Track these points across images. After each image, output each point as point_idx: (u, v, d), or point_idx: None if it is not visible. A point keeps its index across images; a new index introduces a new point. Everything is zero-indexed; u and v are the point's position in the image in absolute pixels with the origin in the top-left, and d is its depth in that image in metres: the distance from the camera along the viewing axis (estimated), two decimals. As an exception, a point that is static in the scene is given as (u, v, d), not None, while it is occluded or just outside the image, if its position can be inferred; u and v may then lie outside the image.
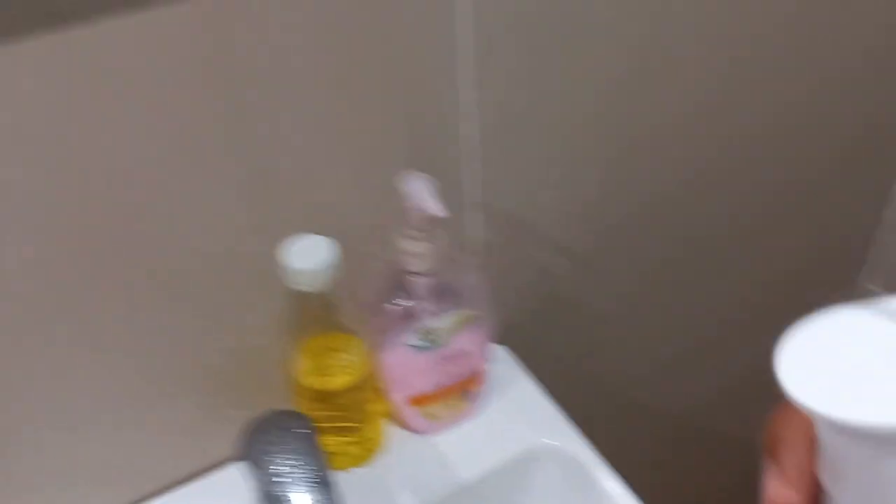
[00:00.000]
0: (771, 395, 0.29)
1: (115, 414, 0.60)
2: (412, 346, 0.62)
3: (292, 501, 0.49)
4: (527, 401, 0.70)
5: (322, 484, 0.50)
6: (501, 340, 0.73)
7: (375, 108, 0.59)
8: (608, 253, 0.79)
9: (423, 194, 0.56)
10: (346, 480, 0.64)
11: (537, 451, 0.66)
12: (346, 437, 0.64)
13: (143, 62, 0.49)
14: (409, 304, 0.61)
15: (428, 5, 0.57)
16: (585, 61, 0.66)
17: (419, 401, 0.66)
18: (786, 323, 0.29)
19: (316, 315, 0.59)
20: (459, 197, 0.66)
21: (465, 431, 0.68)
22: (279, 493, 0.49)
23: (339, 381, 0.61)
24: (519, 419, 0.68)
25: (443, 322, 0.62)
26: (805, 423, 0.24)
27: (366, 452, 0.66)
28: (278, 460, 0.50)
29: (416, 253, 0.59)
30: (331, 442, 0.63)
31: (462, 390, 0.67)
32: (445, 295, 0.62)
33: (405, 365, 0.63)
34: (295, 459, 0.50)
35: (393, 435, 0.68)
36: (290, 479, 0.50)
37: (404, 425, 0.68)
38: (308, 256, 0.56)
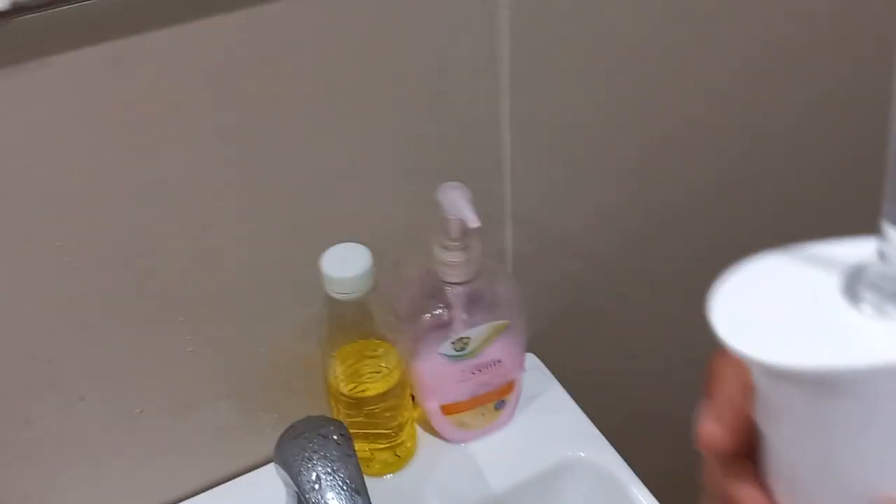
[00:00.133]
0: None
1: (154, 416, 0.61)
2: (446, 355, 0.63)
3: (326, 507, 0.49)
4: (558, 410, 0.70)
5: (355, 490, 0.50)
6: (531, 348, 0.73)
7: (413, 120, 0.59)
8: (637, 260, 0.79)
9: (458, 204, 0.56)
10: (379, 487, 0.64)
11: (568, 462, 0.66)
12: (378, 443, 0.65)
13: (186, 75, 0.50)
14: (444, 313, 0.62)
15: (467, 20, 0.57)
16: (615, 74, 0.66)
17: (451, 409, 0.66)
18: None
19: (351, 322, 0.60)
20: (493, 207, 0.67)
21: (496, 440, 0.68)
22: (313, 499, 0.50)
23: (373, 388, 0.62)
24: (550, 429, 0.68)
25: (476, 332, 0.62)
26: (741, 365, 0.24)
27: (398, 459, 0.66)
28: (313, 466, 0.50)
29: (452, 262, 0.60)
30: (364, 448, 0.64)
31: (494, 399, 0.67)
32: (479, 305, 0.62)
33: (438, 373, 0.64)
34: (329, 465, 0.50)
35: (425, 442, 0.68)
36: (324, 485, 0.50)
37: (436, 433, 0.68)
38: (345, 265, 0.57)
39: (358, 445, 0.55)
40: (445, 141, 0.61)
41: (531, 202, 0.68)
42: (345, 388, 0.62)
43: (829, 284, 0.21)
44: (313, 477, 0.50)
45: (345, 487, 0.50)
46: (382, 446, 0.65)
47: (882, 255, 0.20)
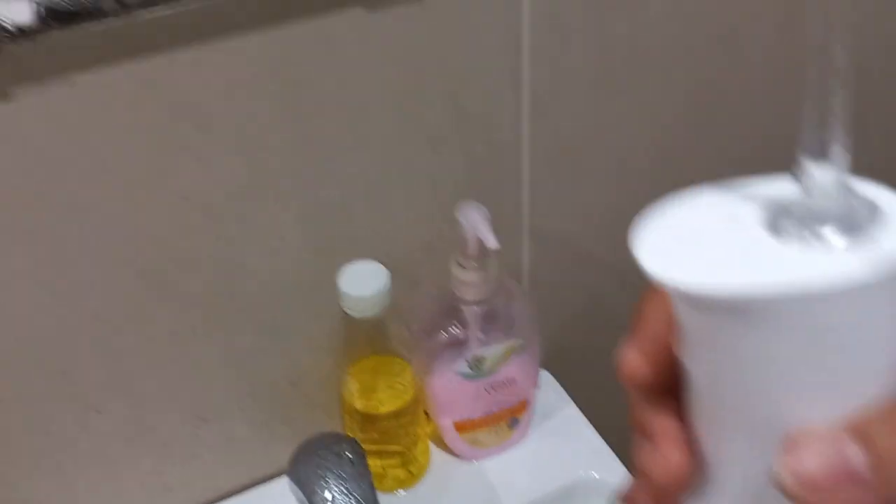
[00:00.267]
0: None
1: (170, 427, 0.62)
2: (461, 373, 0.63)
3: (340, 526, 0.50)
4: (572, 429, 0.70)
5: (369, 509, 0.51)
6: (545, 365, 0.73)
7: (433, 139, 0.60)
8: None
9: (477, 224, 0.57)
10: (391, 503, 0.64)
11: (581, 482, 0.66)
12: (391, 459, 0.65)
13: (211, 94, 0.51)
14: (460, 331, 0.62)
15: (490, 41, 0.57)
16: (633, 93, 0.66)
17: (465, 427, 0.66)
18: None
19: (367, 339, 0.60)
20: (511, 224, 0.67)
21: (509, 459, 0.68)
22: (327, 517, 0.50)
23: (387, 405, 0.62)
24: (563, 448, 0.68)
25: (492, 350, 0.63)
26: (666, 300, 0.24)
27: (411, 476, 0.66)
28: (327, 485, 0.51)
29: (468, 281, 0.60)
30: (376, 464, 0.64)
31: (508, 418, 0.67)
32: (495, 323, 0.62)
33: (453, 391, 0.64)
34: (343, 485, 0.51)
35: (438, 459, 0.68)
36: (337, 502, 0.51)
37: (449, 450, 0.68)
38: (362, 283, 0.57)
39: (370, 461, 0.56)
40: (465, 159, 0.62)
41: (549, 220, 0.69)
42: (359, 404, 0.62)
43: (753, 217, 0.21)
44: (328, 496, 0.50)
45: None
46: (395, 462, 0.65)
47: (801, 188, 0.21)
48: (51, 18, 0.43)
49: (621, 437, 0.70)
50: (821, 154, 0.20)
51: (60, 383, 0.56)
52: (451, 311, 0.62)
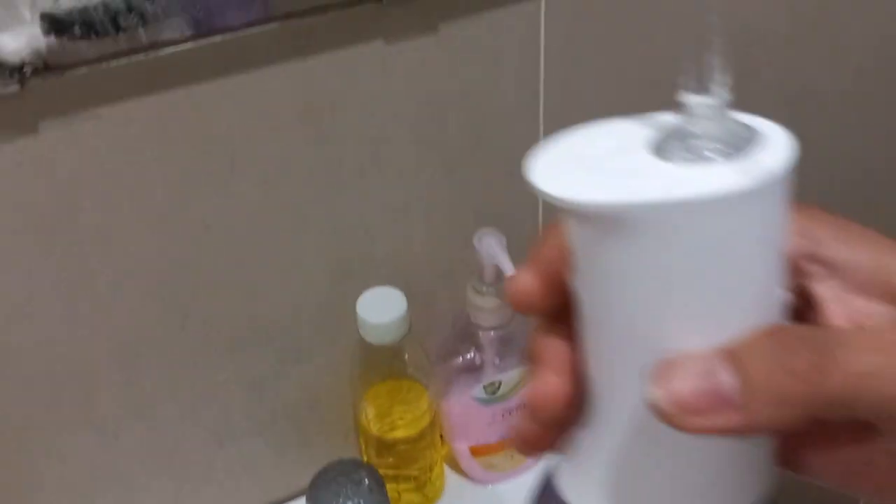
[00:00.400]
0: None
1: (187, 450, 0.62)
2: (477, 398, 0.63)
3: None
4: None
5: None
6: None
7: (451, 165, 0.60)
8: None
9: (494, 251, 0.57)
10: (406, 527, 0.65)
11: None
12: (407, 483, 0.65)
13: (232, 124, 0.51)
14: (476, 356, 0.62)
15: (508, 67, 0.58)
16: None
17: (480, 451, 0.66)
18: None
19: (384, 364, 0.61)
20: (527, 249, 0.67)
21: (524, 482, 0.68)
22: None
23: (403, 429, 0.62)
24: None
25: (508, 376, 0.63)
26: (561, 230, 0.24)
27: (426, 500, 0.66)
28: (346, 513, 0.51)
29: (485, 307, 0.60)
30: (392, 488, 0.64)
31: (523, 442, 0.67)
32: (511, 349, 0.63)
33: (469, 416, 0.64)
34: (362, 512, 0.51)
35: (452, 482, 0.68)
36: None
37: (464, 473, 0.68)
38: (381, 309, 0.57)
39: (386, 485, 0.56)
40: (483, 186, 0.62)
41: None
42: (375, 428, 0.63)
43: (640, 142, 0.22)
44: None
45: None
46: (410, 486, 0.65)
47: (685, 117, 0.22)
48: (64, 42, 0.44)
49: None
50: (702, 86, 0.21)
51: (82, 407, 0.57)
52: (468, 336, 0.62)
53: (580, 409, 0.25)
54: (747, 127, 0.22)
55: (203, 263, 0.56)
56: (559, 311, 0.25)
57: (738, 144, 0.21)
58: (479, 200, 0.62)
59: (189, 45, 0.46)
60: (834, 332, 0.22)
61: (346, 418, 0.65)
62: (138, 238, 0.53)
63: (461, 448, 0.66)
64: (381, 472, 0.57)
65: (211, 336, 0.59)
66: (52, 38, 0.43)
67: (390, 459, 0.63)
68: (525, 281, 0.25)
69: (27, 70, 0.43)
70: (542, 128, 0.62)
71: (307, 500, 0.55)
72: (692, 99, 0.21)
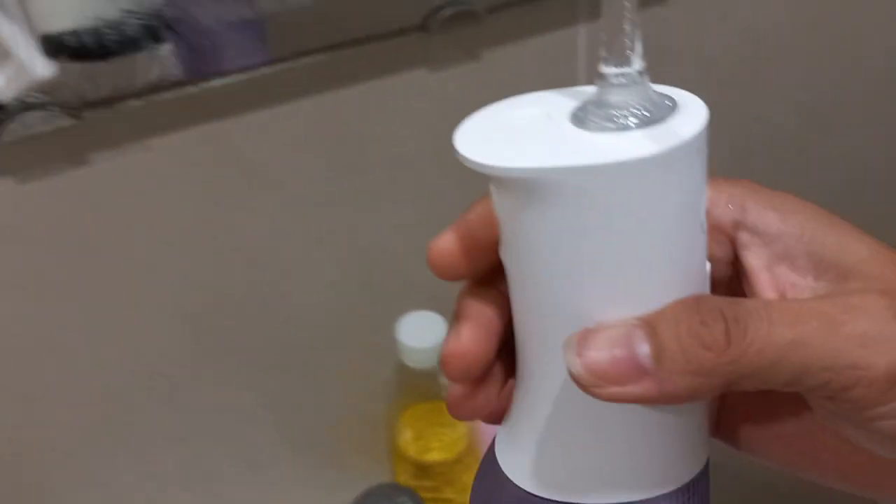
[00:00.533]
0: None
1: (225, 474, 0.62)
2: (513, 420, 0.63)
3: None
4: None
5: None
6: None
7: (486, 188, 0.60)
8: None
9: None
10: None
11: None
12: (443, 506, 0.65)
13: (271, 151, 0.52)
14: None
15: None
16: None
17: (515, 472, 0.66)
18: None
19: (421, 387, 0.61)
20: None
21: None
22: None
23: (440, 452, 0.63)
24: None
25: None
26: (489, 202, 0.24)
27: (462, 522, 0.67)
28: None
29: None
30: (429, 511, 0.65)
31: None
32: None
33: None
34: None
35: None
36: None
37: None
38: (421, 334, 0.58)
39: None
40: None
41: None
42: (413, 451, 0.63)
43: (563, 113, 0.22)
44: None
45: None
46: (447, 509, 0.65)
47: (605, 88, 0.22)
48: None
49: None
50: (620, 57, 0.21)
51: (119, 435, 0.57)
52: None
53: (480, 364, 0.25)
54: (665, 96, 0.22)
55: (241, 289, 0.56)
56: (486, 278, 0.25)
57: (656, 113, 0.21)
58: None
59: (231, 78, 0.47)
60: (750, 304, 0.21)
61: (381, 441, 0.65)
62: (175, 264, 0.53)
63: (496, 470, 0.66)
64: (419, 496, 0.57)
65: (246, 360, 0.59)
66: (47, 67, 0.42)
67: (427, 482, 0.63)
68: (445, 243, 0.25)
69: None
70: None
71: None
72: (610, 69, 0.22)
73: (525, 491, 0.25)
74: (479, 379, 0.25)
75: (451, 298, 0.67)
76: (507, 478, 0.25)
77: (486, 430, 0.64)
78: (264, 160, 0.52)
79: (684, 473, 0.24)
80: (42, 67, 0.42)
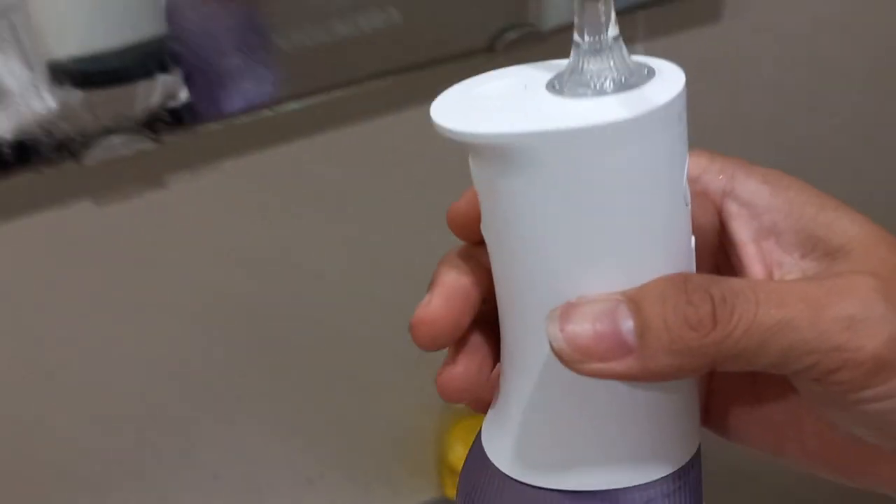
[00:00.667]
0: None
1: (280, 490, 0.63)
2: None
3: None
4: None
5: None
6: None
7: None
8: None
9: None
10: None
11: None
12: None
13: (340, 172, 0.52)
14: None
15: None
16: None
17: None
18: None
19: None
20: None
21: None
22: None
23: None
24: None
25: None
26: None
27: (509, 535, 0.67)
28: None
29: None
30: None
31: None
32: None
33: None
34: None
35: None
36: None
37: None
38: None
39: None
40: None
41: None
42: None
43: (540, 82, 0.22)
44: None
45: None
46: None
47: (581, 58, 0.22)
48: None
49: None
50: (594, 24, 0.21)
51: (183, 452, 0.58)
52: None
53: (446, 334, 0.24)
54: (641, 65, 0.22)
55: (298, 307, 0.56)
56: (468, 251, 0.25)
57: (632, 79, 0.21)
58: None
59: (305, 101, 0.47)
60: (737, 284, 0.21)
61: (431, 456, 0.66)
62: (230, 279, 0.53)
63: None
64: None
65: (298, 376, 0.59)
66: (46, 103, 0.42)
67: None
68: (459, 208, 0.25)
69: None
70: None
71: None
72: (585, 38, 0.21)
73: (509, 477, 0.24)
74: (456, 348, 0.25)
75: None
76: (492, 464, 0.24)
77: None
78: (331, 181, 0.52)
79: (674, 460, 0.23)
80: (40, 103, 0.41)
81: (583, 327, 0.20)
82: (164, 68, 0.43)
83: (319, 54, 0.47)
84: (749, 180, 0.24)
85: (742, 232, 0.24)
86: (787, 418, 0.24)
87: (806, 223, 0.23)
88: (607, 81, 0.21)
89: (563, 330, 0.21)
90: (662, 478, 0.23)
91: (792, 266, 0.23)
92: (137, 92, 0.43)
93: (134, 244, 0.48)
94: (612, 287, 0.21)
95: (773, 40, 0.63)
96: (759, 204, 0.24)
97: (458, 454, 0.63)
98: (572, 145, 0.20)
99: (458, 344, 0.25)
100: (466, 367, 0.25)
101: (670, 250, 0.22)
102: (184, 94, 0.44)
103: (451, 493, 0.65)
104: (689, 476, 0.24)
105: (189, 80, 0.44)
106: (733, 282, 0.21)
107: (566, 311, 0.21)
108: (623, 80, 0.21)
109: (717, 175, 0.24)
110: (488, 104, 0.22)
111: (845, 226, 0.23)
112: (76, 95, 0.42)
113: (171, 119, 0.45)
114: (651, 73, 0.21)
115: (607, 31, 0.21)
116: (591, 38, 0.21)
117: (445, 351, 0.25)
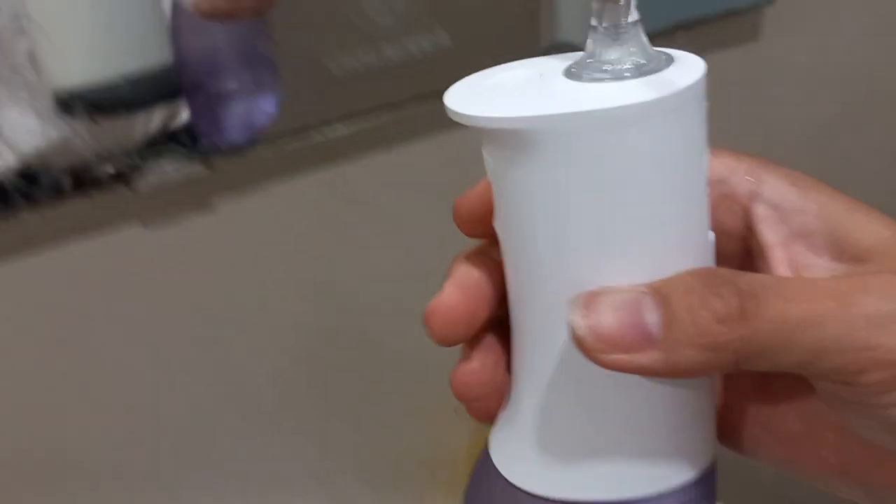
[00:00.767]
0: None
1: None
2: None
3: None
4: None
5: None
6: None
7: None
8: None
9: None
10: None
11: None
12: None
13: (384, 192, 0.52)
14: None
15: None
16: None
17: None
18: None
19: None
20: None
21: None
22: None
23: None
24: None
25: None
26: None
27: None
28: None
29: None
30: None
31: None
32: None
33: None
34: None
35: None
36: None
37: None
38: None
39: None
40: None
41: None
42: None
43: (557, 71, 0.22)
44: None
45: None
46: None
47: (599, 46, 0.21)
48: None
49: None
50: (613, 9, 0.21)
51: (213, 468, 0.57)
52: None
53: (460, 323, 0.24)
54: (660, 52, 0.21)
55: (339, 326, 0.56)
56: (482, 249, 0.25)
57: (651, 64, 0.21)
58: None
59: (351, 124, 0.48)
60: (766, 279, 0.20)
61: (460, 475, 0.65)
62: (276, 298, 0.53)
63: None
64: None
65: (335, 395, 0.59)
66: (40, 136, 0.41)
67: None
68: (464, 204, 0.25)
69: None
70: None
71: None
72: (603, 25, 0.21)
73: (516, 487, 0.23)
74: (471, 345, 0.25)
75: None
76: (499, 473, 0.24)
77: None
78: (380, 204, 0.52)
79: (690, 470, 0.23)
80: (37, 136, 0.40)
81: (607, 316, 0.20)
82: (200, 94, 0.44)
83: (368, 77, 0.47)
84: (777, 182, 0.23)
85: (770, 234, 0.23)
86: (804, 430, 0.24)
87: (836, 225, 0.23)
88: (626, 66, 0.20)
89: (587, 317, 0.20)
90: (677, 488, 0.22)
91: (821, 268, 0.23)
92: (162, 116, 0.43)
93: (182, 267, 0.48)
94: (633, 278, 0.20)
95: (812, 59, 0.63)
96: (788, 206, 0.23)
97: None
98: (596, 127, 0.19)
99: (473, 341, 0.25)
100: (482, 362, 0.25)
101: (690, 241, 0.21)
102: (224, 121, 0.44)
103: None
104: (703, 487, 0.23)
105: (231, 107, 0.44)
106: (761, 277, 0.20)
107: (590, 299, 0.20)
108: (643, 65, 0.20)
109: (744, 176, 0.24)
110: (504, 91, 0.22)
111: (874, 228, 0.22)
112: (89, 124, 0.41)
113: (216, 145, 0.45)
114: (670, 59, 0.21)
115: (627, 15, 0.21)
116: (610, 24, 0.21)
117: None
